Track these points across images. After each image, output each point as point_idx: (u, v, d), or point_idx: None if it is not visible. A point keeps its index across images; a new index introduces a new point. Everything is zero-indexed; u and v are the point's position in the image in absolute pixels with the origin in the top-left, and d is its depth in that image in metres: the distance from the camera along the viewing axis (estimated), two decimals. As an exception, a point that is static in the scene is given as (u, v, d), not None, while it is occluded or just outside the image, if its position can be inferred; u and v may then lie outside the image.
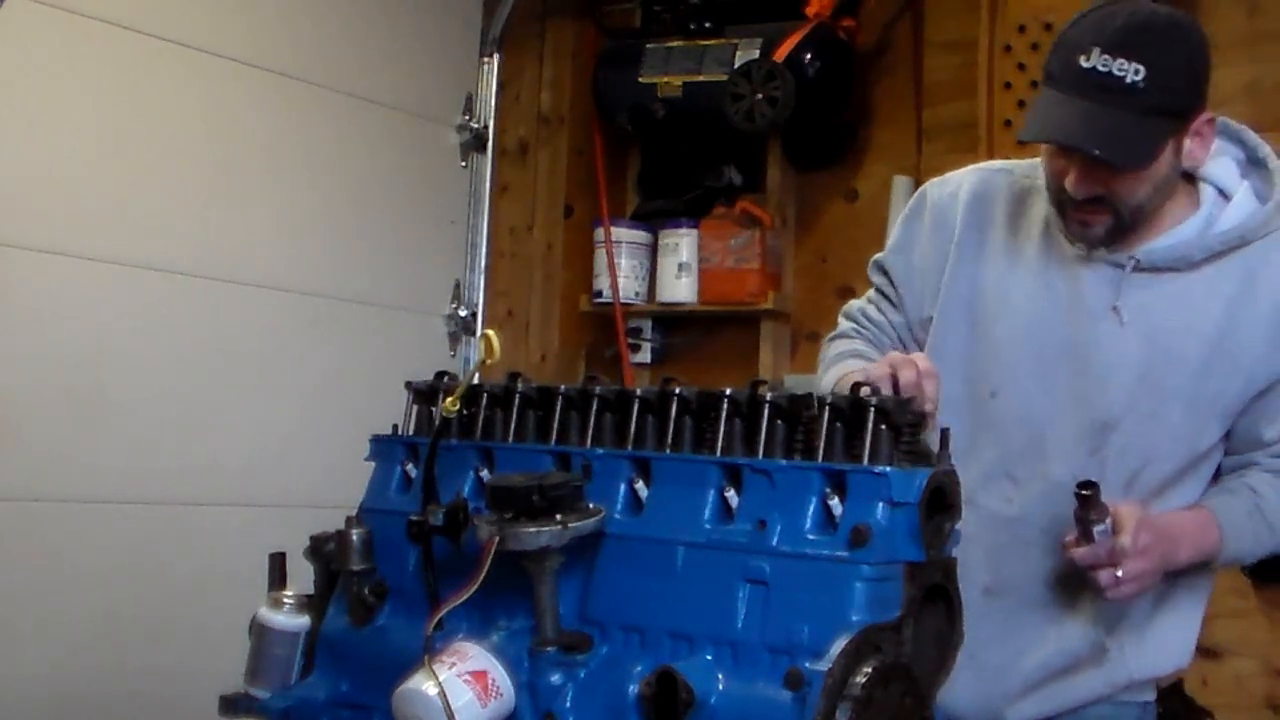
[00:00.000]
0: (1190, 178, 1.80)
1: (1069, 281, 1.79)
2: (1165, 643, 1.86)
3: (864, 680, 1.20)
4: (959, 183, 1.92)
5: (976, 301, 1.85)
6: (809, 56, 3.30)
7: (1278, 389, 1.77)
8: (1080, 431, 1.78)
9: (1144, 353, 1.76)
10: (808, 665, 1.21)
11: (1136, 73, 1.63)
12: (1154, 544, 1.69)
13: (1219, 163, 1.80)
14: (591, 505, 1.37)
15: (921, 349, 1.88)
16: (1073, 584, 1.80)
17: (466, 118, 3.68)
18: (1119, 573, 1.66)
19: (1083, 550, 1.67)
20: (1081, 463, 1.76)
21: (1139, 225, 1.74)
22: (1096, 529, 1.66)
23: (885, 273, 1.99)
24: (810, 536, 1.29)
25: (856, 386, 1.35)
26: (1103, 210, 1.72)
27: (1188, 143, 1.72)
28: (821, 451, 1.33)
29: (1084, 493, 1.66)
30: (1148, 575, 1.70)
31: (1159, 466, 1.78)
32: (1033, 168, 1.86)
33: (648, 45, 3.52)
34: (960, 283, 1.86)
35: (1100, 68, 1.64)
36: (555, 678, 1.33)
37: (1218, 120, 1.79)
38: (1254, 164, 1.81)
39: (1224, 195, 1.79)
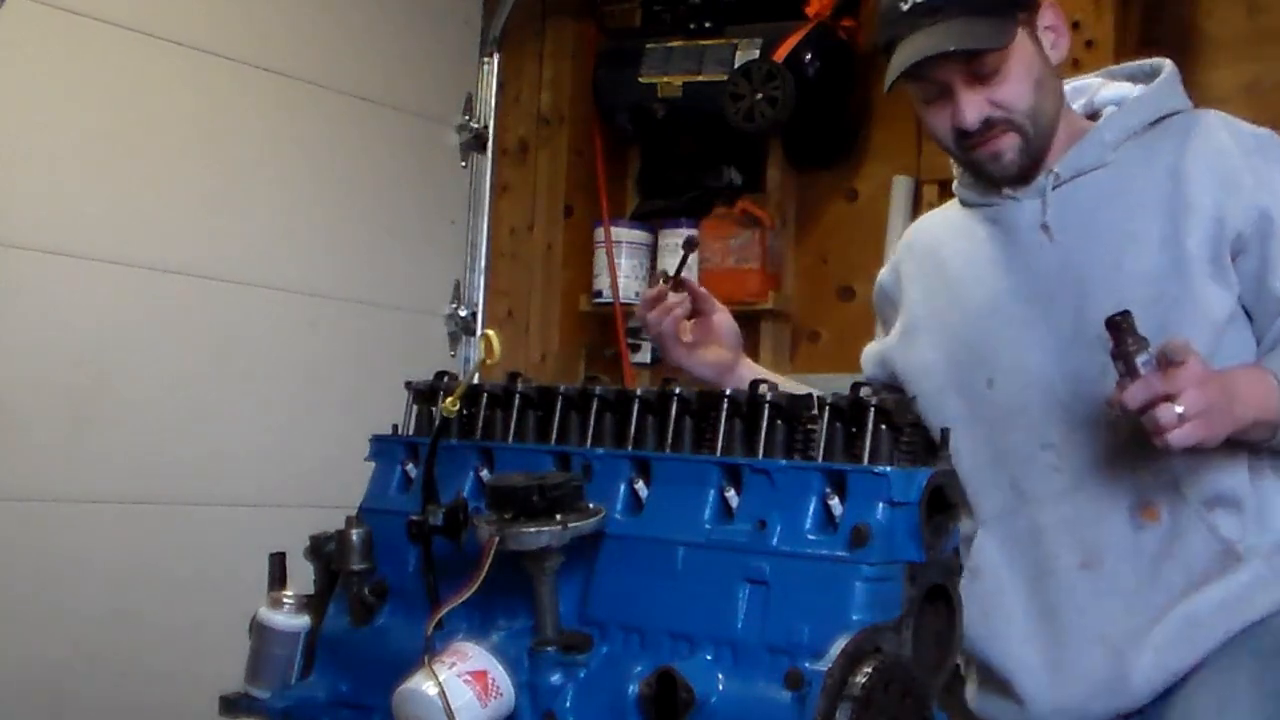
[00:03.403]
0: (1093, 117, 1.82)
1: (1002, 237, 1.78)
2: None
3: (864, 680, 1.20)
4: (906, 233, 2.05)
5: (933, 317, 1.87)
6: (809, 56, 3.30)
7: (1263, 241, 1.67)
8: (1083, 357, 1.68)
9: (1098, 249, 1.70)
10: (808, 665, 1.21)
11: None
12: (1210, 379, 1.49)
13: (1114, 87, 1.84)
14: (591, 505, 1.37)
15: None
16: (1167, 508, 1.67)
17: (466, 118, 3.68)
18: (1179, 408, 1.45)
19: (1133, 388, 1.47)
20: None
21: (1044, 137, 1.73)
22: (1139, 360, 1.47)
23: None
24: (810, 536, 1.29)
25: (856, 387, 1.35)
26: (1003, 130, 1.72)
27: (1044, 39, 1.74)
28: (821, 451, 1.33)
29: (1117, 319, 1.48)
30: (1213, 416, 1.49)
31: None
32: (950, 204, 1.95)
33: (648, 45, 3.52)
34: (914, 305, 1.90)
35: (920, 1, 1.69)
36: (555, 678, 1.33)
37: (1107, 69, 1.89)
38: (1147, 76, 1.84)
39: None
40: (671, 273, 1.86)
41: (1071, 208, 1.73)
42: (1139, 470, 1.67)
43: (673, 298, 1.84)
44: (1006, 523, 1.77)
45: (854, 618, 1.23)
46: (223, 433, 3.03)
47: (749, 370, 1.93)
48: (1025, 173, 1.76)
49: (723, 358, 1.89)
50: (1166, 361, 1.46)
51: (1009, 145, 1.72)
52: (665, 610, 1.32)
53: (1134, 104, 1.78)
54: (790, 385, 1.90)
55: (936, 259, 1.87)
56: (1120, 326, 1.47)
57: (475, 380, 1.55)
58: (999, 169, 1.75)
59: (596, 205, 3.66)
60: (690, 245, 1.94)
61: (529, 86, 3.76)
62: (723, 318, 1.90)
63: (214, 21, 3.04)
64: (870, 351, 2.03)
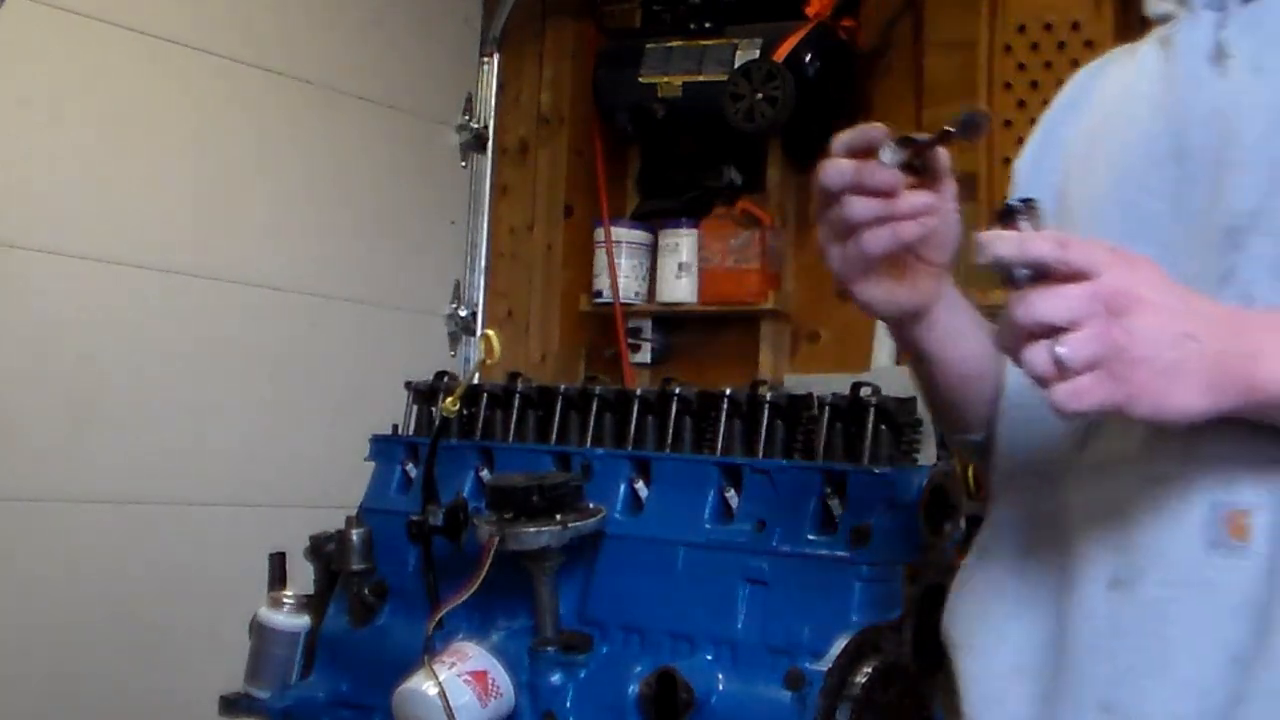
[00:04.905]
0: None
1: (1165, 65, 1.15)
2: None
3: (864, 680, 1.20)
4: None
5: (1061, 167, 1.22)
6: (809, 56, 3.29)
7: None
8: (1203, 257, 1.04)
9: (1270, 91, 1.06)
10: (808, 665, 1.21)
11: None
12: (1163, 302, 0.90)
13: None
14: (591, 505, 1.37)
15: None
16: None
17: (466, 118, 3.68)
18: (1060, 348, 0.88)
19: (1000, 316, 0.92)
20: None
21: None
22: (1019, 272, 0.90)
23: None
24: (810, 536, 1.29)
25: (856, 387, 1.35)
26: None
27: None
28: (821, 451, 1.33)
29: (1011, 207, 0.93)
30: (1139, 369, 0.88)
31: None
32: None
33: (648, 45, 3.52)
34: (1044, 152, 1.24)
35: None
36: (555, 678, 1.33)
37: None
38: None
39: None
40: (919, 140, 1.06)
41: (1255, 20, 1.09)
42: (1233, 448, 0.99)
43: (906, 198, 1.07)
44: (1035, 491, 1.13)
45: (854, 618, 1.23)
46: (222, 433, 3.02)
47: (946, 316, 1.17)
48: None
49: (920, 296, 1.14)
50: (1061, 269, 0.89)
51: None
52: (665, 610, 1.32)
53: None
54: None
55: (1094, 82, 1.25)
56: (1009, 217, 0.93)
57: (475, 380, 1.55)
58: None
59: (596, 205, 3.66)
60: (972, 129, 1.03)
61: (529, 86, 3.75)
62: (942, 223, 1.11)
63: (215, 22, 3.04)
64: None
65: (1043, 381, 0.89)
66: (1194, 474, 1.00)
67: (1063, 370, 0.88)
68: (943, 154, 1.09)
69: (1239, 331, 0.93)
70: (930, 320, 1.16)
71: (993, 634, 1.12)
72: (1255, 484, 0.99)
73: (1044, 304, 0.89)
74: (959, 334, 1.17)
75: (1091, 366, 0.88)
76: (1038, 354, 0.89)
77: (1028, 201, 0.94)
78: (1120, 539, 1.03)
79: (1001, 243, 0.91)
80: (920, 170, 1.08)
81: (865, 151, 1.07)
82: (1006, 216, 0.93)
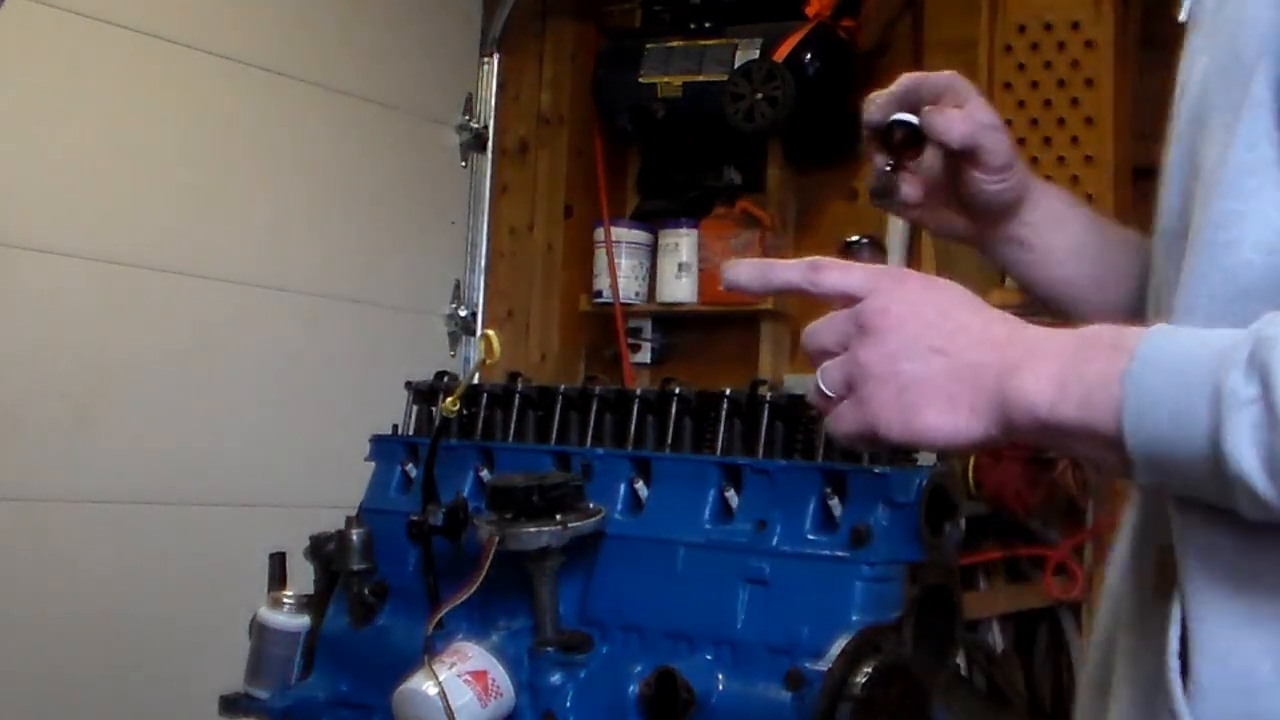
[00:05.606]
0: None
1: None
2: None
3: (864, 680, 1.20)
4: None
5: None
6: (809, 56, 3.29)
7: None
8: (1175, 247, 0.87)
9: (1212, 44, 0.90)
10: (808, 665, 1.21)
11: None
12: (915, 316, 0.83)
13: None
14: (591, 505, 1.37)
15: None
16: None
17: (466, 118, 3.68)
18: (819, 373, 0.87)
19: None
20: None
21: None
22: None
23: None
24: (810, 536, 1.29)
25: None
26: None
27: None
28: (821, 451, 1.33)
29: (849, 244, 0.84)
30: (885, 393, 0.82)
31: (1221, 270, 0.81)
32: None
33: (648, 45, 3.52)
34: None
35: None
36: (555, 678, 1.33)
37: None
38: None
39: None
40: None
41: None
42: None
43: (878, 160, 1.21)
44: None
45: (854, 618, 1.23)
46: (223, 433, 3.03)
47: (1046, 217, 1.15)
48: None
49: (962, 223, 1.21)
50: (813, 293, 0.90)
51: None
52: (665, 610, 1.33)
53: None
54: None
55: None
56: (850, 251, 0.94)
57: (475, 380, 1.55)
58: None
59: (596, 205, 3.66)
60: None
61: (529, 86, 3.76)
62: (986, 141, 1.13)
63: (216, 22, 3.04)
64: None
65: (819, 411, 0.88)
66: (1132, 515, 0.91)
67: (825, 398, 0.87)
68: (949, 117, 1.16)
69: (1005, 345, 0.82)
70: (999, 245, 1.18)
71: (1081, 680, 1.02)
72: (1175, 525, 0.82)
73: (817, 331, 0.89)
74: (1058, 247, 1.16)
75: (849, 391, 0.85)
76: (810, 384, 0.89)
77: (871, 238, 0.93)
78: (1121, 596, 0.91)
79: (741, 269, 0.92)
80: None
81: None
82: (848, 250, 0.90)
